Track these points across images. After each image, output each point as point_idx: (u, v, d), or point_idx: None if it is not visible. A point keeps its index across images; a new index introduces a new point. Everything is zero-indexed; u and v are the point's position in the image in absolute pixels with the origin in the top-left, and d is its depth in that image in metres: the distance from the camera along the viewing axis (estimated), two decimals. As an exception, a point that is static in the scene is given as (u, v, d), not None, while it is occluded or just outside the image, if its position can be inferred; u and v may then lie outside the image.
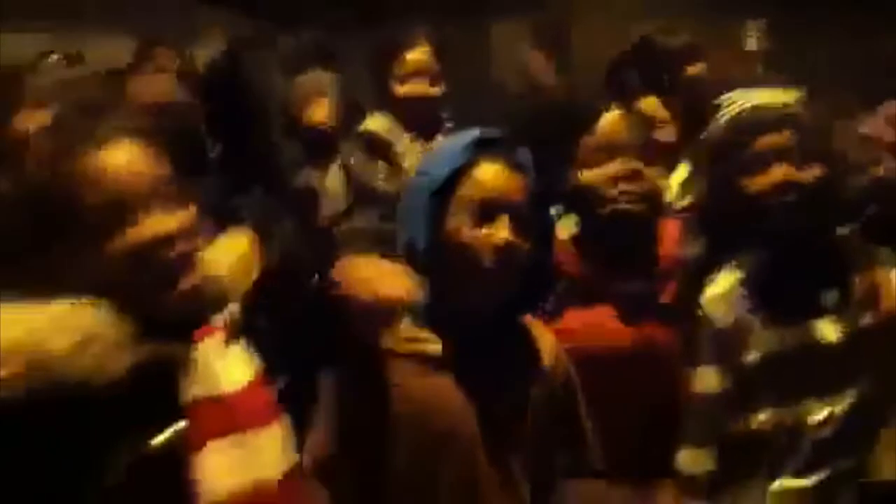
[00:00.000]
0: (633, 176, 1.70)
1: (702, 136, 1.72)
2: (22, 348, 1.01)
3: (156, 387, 1.11)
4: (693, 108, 2.13)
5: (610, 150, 1.71)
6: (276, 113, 2.49)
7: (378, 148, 2.68)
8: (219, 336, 1.21)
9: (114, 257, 1.06)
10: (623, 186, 1.69)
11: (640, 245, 1.74)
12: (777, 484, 1.62)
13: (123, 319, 1.07)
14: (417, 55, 2.66)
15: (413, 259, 1.41)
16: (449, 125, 2.72)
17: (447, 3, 3.92)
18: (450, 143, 1.50)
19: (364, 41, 2.98)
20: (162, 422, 1.12)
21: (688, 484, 1.64)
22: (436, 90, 2.69)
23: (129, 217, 1.07)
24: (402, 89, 2.66)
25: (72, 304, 1.05)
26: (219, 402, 1.17)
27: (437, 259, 1.40)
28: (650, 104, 2.61)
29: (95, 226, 1.06)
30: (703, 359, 1.64)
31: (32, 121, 1.44)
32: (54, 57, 2.44)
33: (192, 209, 1.12)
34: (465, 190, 1.41)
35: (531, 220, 1.44)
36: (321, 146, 2.83)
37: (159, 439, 1.12)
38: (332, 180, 2.75)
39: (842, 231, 1.67)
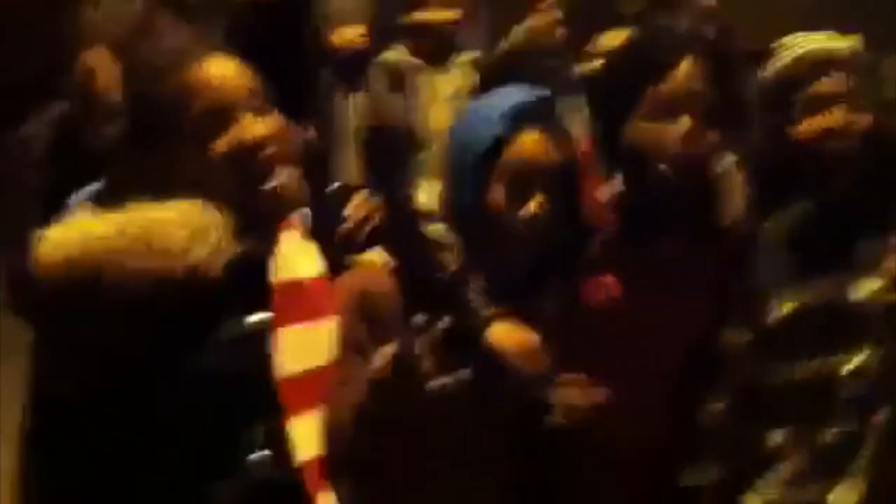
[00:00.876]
0: (699, 136, 1.55)
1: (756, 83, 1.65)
2: (143, 240, 1.17)
3: (251, 275, 1.27)
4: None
5: (681, 105, 1.55)
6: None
7: (395, 79, 2.83)
8: (297, 230, 1.37)
9: (216, 158, 1.22)
10: (686, 147, 1.53)
11: (685, 209, 1.62)
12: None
13: (226, 216, 1.23)
14: None
15: (453, 218, 1.50)
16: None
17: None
18: (495, 103, 1.50)
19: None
20: (254, 305, 1.29)
21: None
22: (451, 15, 2.83)
23: (229, 122, 1.22)
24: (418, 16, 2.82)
25: (188, 203, 1.21)
26: (298, 286, 1.34)
27: (478, 223, 1.45)
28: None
29: (200, 130, 1.21)
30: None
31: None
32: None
33: (280, 117, 1.27)
34: (506, 158, 1.43)
35: (570, 189, 1.48)
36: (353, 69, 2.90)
37: (252, 320, 1.29)
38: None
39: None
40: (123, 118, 1.35)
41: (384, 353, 1.30)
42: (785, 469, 1.57)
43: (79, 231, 1.18)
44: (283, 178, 1.26)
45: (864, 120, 1.57)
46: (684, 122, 1.52)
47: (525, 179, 1.43)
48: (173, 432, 1.21)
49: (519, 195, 1.43)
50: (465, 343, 1.33)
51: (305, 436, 1.30)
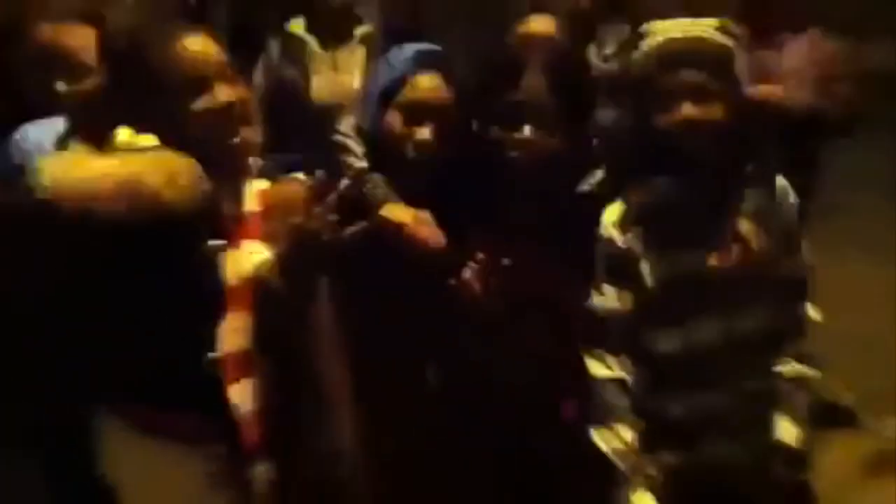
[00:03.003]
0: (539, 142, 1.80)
1: (622, 67, 1.82)
2: (127, 183, 1.47)
3: (212, 211, 1.59)
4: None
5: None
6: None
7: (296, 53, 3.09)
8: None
9: (193, 116, 1.54)
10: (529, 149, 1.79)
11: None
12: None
13: (194, 163, 1.54)
14: None
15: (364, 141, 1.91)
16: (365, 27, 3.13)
17: None
18: (399, 54, 1.86)
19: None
20: (212, 234, 1.62)
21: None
22: None
23: (204, 89, 1.54)
24: None
25: (163, 151, 1.51)
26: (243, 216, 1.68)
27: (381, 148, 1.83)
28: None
29: (180, 94, 1.53)
30: (599, 276, 1.72)
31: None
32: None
33: (246, 85, 1.60)
34: (404, 93, 1.78)
35: (457, 125, 1.79)
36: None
37: (211, 244, 1.62)
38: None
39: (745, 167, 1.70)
40: (97, 76, 1.64)
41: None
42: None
43: (80, 170, 1.47)
44: (246, 134, 1.59)
45: (717, 111, 1.62)
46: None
47: (418, 111, 1.77)
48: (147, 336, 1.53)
49: (412, 124, 1.76)
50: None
51: (232, 332, 1.62)
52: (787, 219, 1.72)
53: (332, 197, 1.53)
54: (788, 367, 1.73)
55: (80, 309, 1.48)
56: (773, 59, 3.00)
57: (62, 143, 1.70)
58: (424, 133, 1.76)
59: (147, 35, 1.55)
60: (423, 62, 1.82)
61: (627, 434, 1.68)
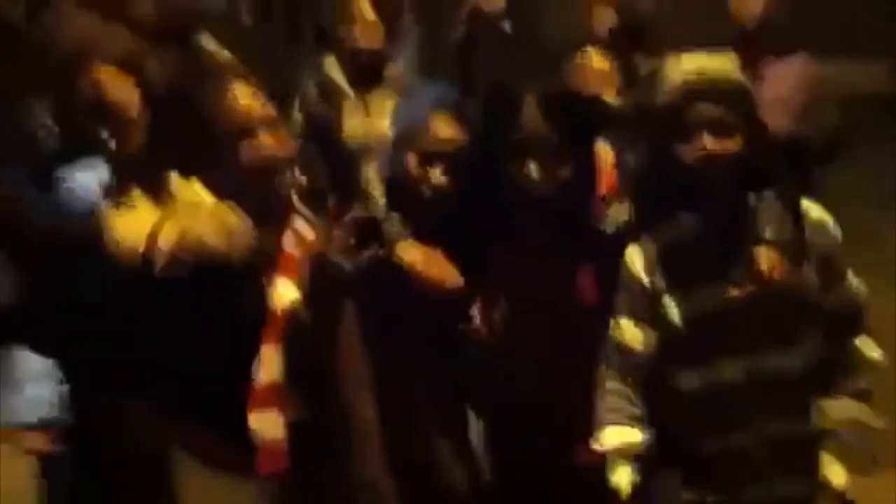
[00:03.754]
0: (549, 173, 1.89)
1: (647, 101, 1.79)
2: (192, 244, 1.62)
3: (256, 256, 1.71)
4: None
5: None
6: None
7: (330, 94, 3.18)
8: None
9: (240, 162, 1.65)
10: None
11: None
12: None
13: (247, 218, 1.66)
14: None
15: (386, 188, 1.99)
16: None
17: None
18: (418, 97, 1.96)
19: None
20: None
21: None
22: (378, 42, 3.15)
23: (251, 136, 1.67)
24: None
25: (219, 207, 1.64)
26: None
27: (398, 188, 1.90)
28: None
29: (229, 140, 1.65)
30: (623, 313, 1.74)
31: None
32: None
33: (286, 132, 1.71)
34: (418, 139, 1.84)
35: (470, 165, 1.85)
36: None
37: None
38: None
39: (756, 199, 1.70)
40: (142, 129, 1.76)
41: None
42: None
43: (149, 228, 1.63)
44: (287, 177, 1.70)
45: (735, 143, 1.64)
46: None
47: (433, 154, 1.82)
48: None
49: (428, 166, 1.82)
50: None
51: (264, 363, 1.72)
52: (824, 249, 1.68)
53: (348, 218, 1.63)
54: (837, 406, 1.70)
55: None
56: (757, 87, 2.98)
57: (116, 192, 1.79)
58: (438, 176, 1.83)
59: (196, 86, 1.67)
60: (437, 105, 1.89)
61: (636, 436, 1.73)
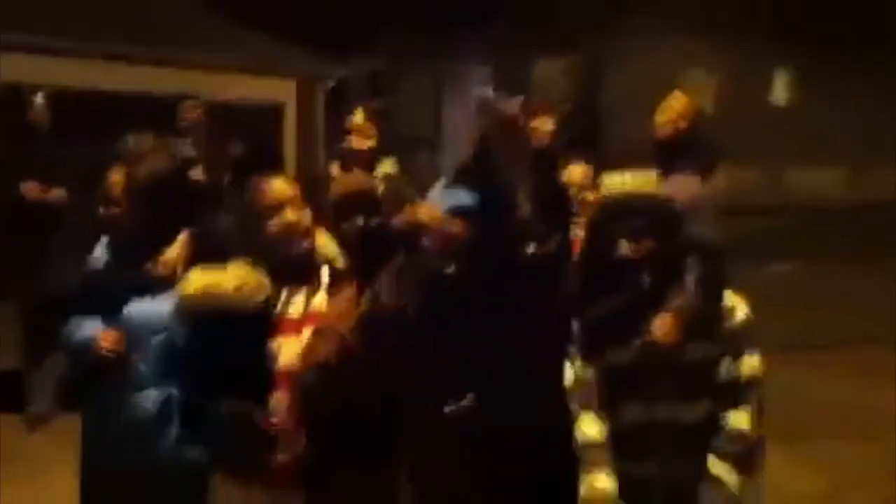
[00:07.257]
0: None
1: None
2: (209, 287, 2.12)
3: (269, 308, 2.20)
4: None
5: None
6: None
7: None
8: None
9: (267, 229, 2.17)
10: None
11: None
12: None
13: (263, 271, 2.16)
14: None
15: None
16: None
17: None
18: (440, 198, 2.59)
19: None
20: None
21: None
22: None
23: (279, 212, 2.18)
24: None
25: (238, 263, 2.15)
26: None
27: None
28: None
29: (261, 214, 2.17)
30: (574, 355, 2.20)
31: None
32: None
33: (308, 209, 2.23)
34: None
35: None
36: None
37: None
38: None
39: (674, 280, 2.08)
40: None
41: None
42: None
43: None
44: (307, 244, 2.21)
45: (651, 245, 2.05)
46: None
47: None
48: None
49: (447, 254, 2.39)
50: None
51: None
52: (731, 326, 2.06)
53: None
54: (711, 460, 2.07)
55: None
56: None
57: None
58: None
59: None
60: (452, 212, 2.41)
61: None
